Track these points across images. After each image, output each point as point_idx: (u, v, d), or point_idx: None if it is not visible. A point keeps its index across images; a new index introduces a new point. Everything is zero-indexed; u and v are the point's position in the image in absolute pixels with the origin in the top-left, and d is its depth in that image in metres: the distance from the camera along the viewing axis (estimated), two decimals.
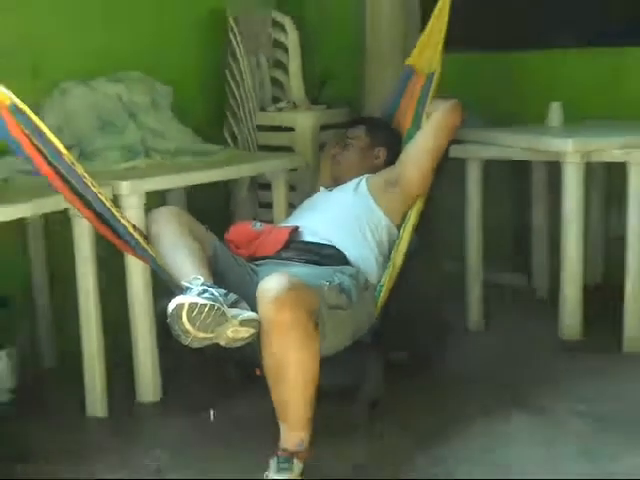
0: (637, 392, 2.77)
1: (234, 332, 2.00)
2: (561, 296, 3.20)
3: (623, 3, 3.75)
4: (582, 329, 3.17)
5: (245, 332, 2.01)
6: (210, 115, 3.84)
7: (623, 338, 3.09)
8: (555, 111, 3.45)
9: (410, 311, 2.83)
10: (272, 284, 2.05)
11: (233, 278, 2.31)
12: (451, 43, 2.95)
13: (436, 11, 2.94)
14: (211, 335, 1.97)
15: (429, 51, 2.96)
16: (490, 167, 3.39)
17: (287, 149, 3.59)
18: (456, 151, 3.26)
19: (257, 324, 2.03)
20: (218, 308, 1.97)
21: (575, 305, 3.16)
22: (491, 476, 2.26)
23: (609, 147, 3.09)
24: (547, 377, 2.91)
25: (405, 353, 2.96)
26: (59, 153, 2.05)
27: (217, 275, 2.25)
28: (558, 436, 2.48)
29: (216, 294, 2.02)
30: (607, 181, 3.69)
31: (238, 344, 2.03)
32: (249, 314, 2.02)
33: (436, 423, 2.58)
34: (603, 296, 3.43)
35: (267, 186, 3.40)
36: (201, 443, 2.54)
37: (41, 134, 2.02)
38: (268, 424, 2.17)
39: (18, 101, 1.98)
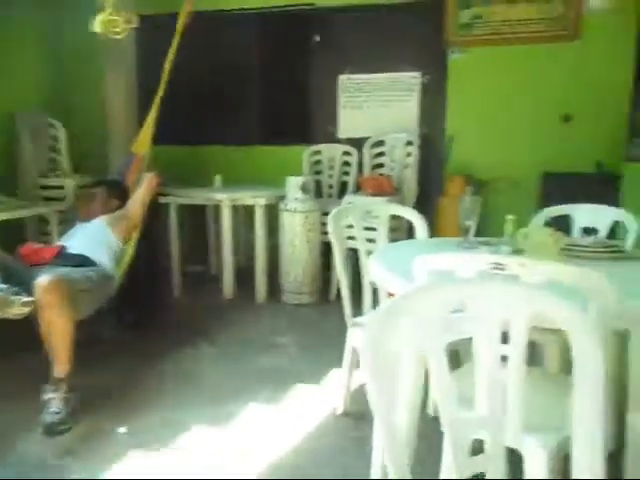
0: (261, 323, 2.94)
1: (19, 309, 1.94)
2: (223, 275, 3.31)
3: (262, 124, 3.98)
4: (234, 292, 3.30)
5: (26, 308, 1.95)
6: (3, 178, 3.42)
7: (255, 295, 3.27)
8: (218, 179, 3.51)
9: (139, 288, 2.73)
10: (42, 280, 1.97)
11: (22, 277, 2.12)
12: (160, 139, 2.96)
13: (145, 123, 2.93)
14: (2, 313, 1.92)
15: (142, 143, 2.91)
16: (183, 208, 3.42)
17: (60, 199, 3.37)
18: (164, 200, 3.26)
19: (32, 303, 1.95)
20: (3, 297, 1.91)
21: (230, 279, 3.30)
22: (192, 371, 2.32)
23: (245, 197, 3.30)
24: (216, 319, 2.95)
25: (133, 315, 2.78)
26: None
27: (8, 275, 2.08)
28: (221, 354, 2.55)
29: (2, 287, 1.95)
30: (245, 214, 3.68)
31: (24, 315, 1.97)
32: (27, 298, 1.95)
33: (155, 352, 2.56)
34: (245, 274, 3.40)
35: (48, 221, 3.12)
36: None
37: None
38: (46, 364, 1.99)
39: None
